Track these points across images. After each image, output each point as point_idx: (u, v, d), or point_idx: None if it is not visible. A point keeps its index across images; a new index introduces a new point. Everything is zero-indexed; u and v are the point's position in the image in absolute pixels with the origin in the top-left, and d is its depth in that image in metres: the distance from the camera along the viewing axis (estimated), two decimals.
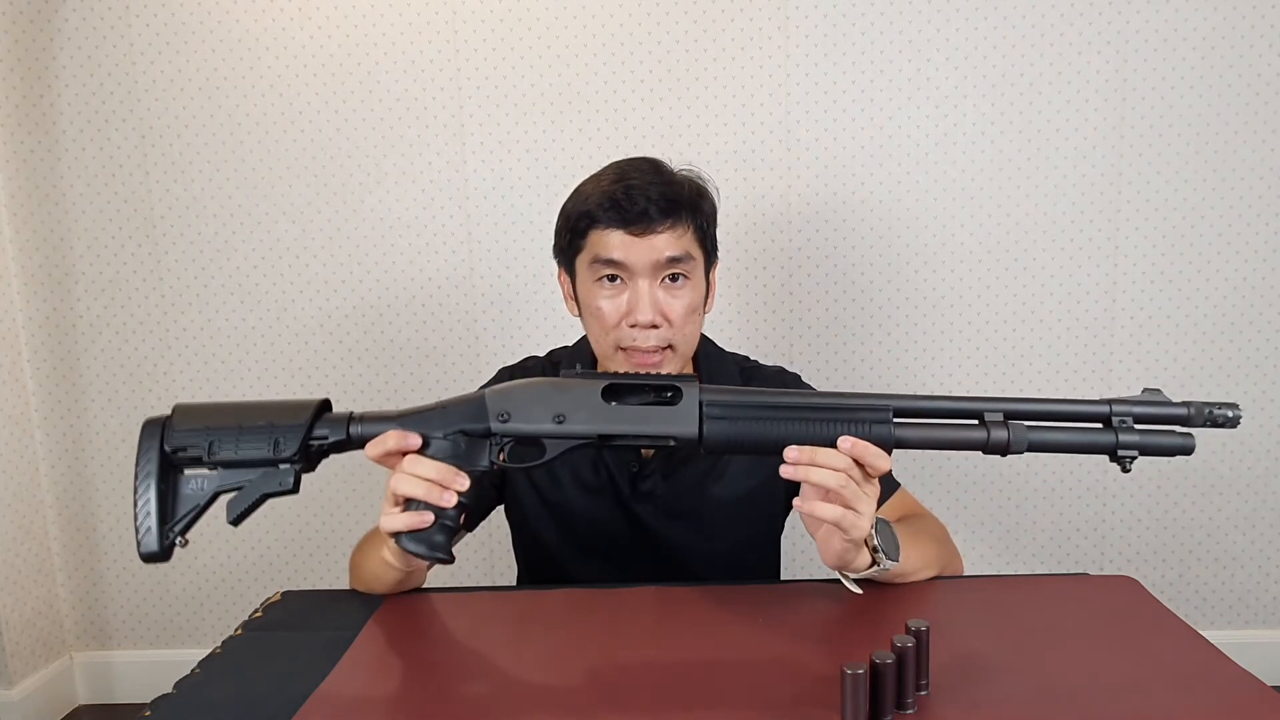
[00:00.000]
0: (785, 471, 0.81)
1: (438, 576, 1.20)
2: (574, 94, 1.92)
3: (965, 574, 1.08)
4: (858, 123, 1.92)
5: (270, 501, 0.83)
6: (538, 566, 1.21)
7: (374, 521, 1.11)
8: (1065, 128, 1.90)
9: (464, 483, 0.81)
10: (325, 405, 0.85)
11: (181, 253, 2.00)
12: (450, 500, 0.81)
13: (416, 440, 0.82)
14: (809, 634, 0.87)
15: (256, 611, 0.98)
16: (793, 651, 0.83)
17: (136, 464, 0.80)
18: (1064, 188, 1.92)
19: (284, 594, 1.03)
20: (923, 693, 0.74)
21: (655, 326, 1.03)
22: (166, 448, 0.80)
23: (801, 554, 2.05)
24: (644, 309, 1.02)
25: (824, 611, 0.93)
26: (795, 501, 0.85)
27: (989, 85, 1.89)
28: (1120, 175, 1.91)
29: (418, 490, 0.81)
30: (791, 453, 0.81)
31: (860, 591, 0.94)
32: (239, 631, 0.93)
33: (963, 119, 1.90)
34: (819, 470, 0.81)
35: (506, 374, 1.20)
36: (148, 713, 0.77)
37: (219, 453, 0.80)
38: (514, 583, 1.28)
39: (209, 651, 0.89)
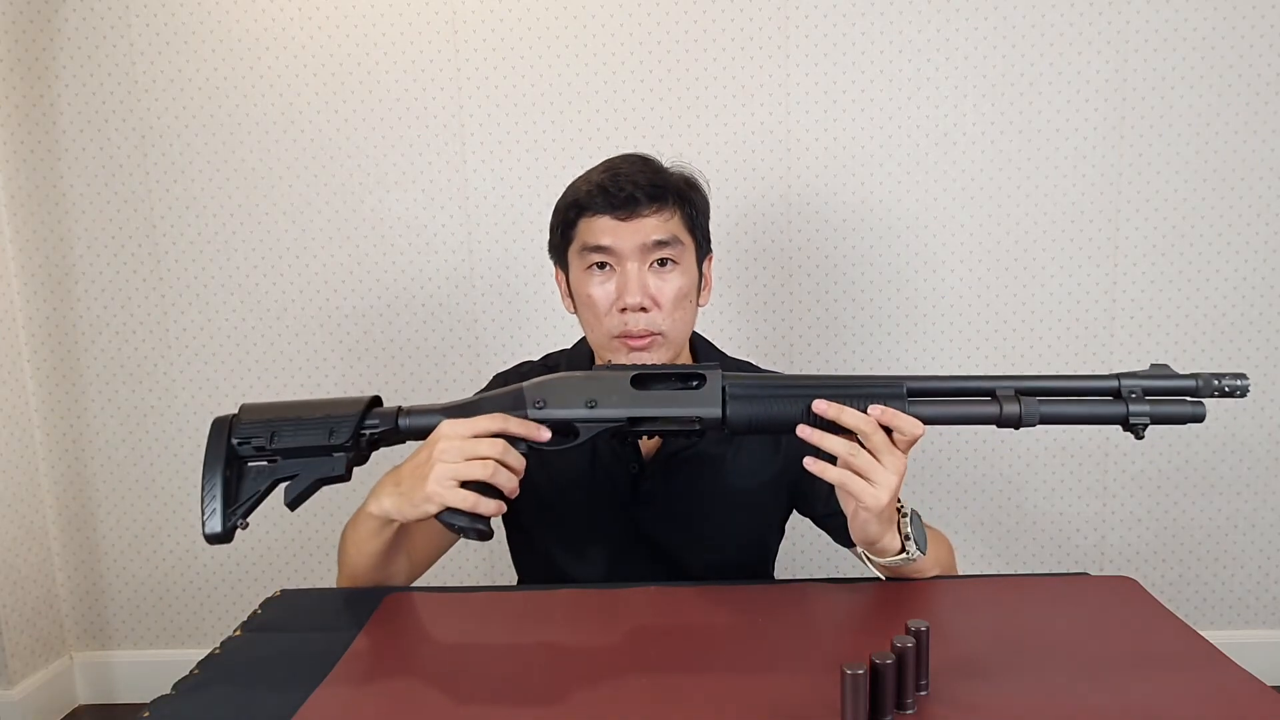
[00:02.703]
0: (802, 431, 0.83)
1: (438, 576, 1.20)
2: (574, 94, 1.92)
3: (965, 574, 1.08)
4: (858, 123, 1.92)
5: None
6: (535, 569, 1.21)
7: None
8: (1065, 128, 1.90)
9: (521, 463, 0.86)
10: (376, 400, 0.91)
11: (181, 253, 2.00)
12: (513, 489, 0.85)
13: (547, 434, 0.86)
14: (809, 634, 0.87)
15: (256, 611, 0.98)
16: (793, 651, 0.83)
17: (205, 455, 0.87)
18: (1064, 188, 1.92)
19: (284, 593, 1.03)
20: (923, 693, 0.74)
21: (645, 310, 1.04)
22: (233, 440, 0.87)
23: (801, 554, 2.05)
24: (632, 291, 1.03)
25: (824, 611, 0.93)
26: (806, 460, 0.84)
27: (989, 85, 1.89)
28: (1120, 175, 1.91)
29: (508, 484, 0.85)
30: (818, 405, 0.83)
31: (882, 577, 0.94)
32: (238, 632, 0.93)
33: (963, 119, 1.90)
34: (831, 438, 0.83)
35: (500, 380, 1.20)
36: (147, 713, 0.77)
37: (280, 441, 0.87)
38: (514, 583, 1.27)
39: (209, 651, 0.89)
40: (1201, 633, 0.85)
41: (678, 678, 0.79)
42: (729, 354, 1.22)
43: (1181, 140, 1.90)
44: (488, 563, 2.07)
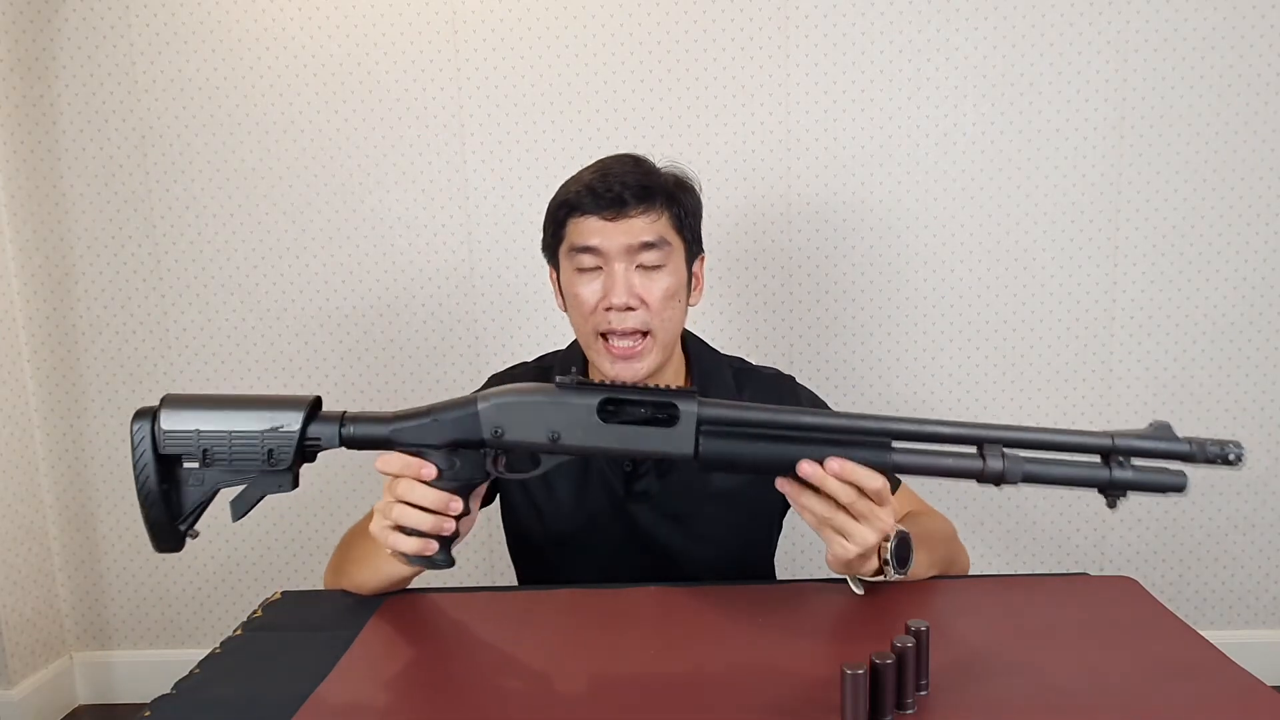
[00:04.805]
0: (781, 486, 0.83)
1: (438, 576, 1.19)
2: (574, 94, 1.92)
3: (965, 574, 1.08)
4: (858, 123, 1.92)
5: (270, 503, 0.84)
6: (532, 569, 1.21)
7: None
8: (1065, 128, 1.90)
9: (458, 506, 0.82)
10: (316, 405, 0.83)
11: (181, 253, 2.00)
12: (450, 528, 0.82)
13: (431, 470, 0.81)
14: (809, 634, 0.87)
15: (256, 611, 0.98)
16: (792, 651, 0.83)
17: (134, 458, 0.79)
18: (1064, 188, 1.92)
19: (284, 594, 1.03)
20: (923, 693, 0.74)
21: (631, 309, 1.04)
22: (160, 451, 0.79)
23: (801, 554, 2.05)
24: (619, 291, 1.03)
25: (824, 611, 0.93)
26: (788, 497, 0.84)
27: (989, 85, 1.89)
28: (1120, 175, 1.91)
29: (422, 524, 0.81)
30: (803, 470, 0.80)
31: (862, 593, 0.94)
32: (239, 631, 0.93)
33: (963, 119, 1.90)
34: (809, 497, 0.82)
35: (495, 382, 1.19)
36: (148, 713, 0.77)
37: (213, 460, 0.79)
38: (514, 583, 1.27)
39: (209, 651, 0.89)
40: (1201, 633, 0.85)
41: (678, 678, 0.79)
42: (724, 352, 1.22)
43: (1181, 140, 1.90)
44: (488, 563, 2.07)
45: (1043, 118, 1.90)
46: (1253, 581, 2.05)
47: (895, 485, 1.13)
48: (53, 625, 2.11)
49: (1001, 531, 2.06)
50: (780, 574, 1.28)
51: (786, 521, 1.23)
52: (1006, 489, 2.00)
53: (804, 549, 2.04)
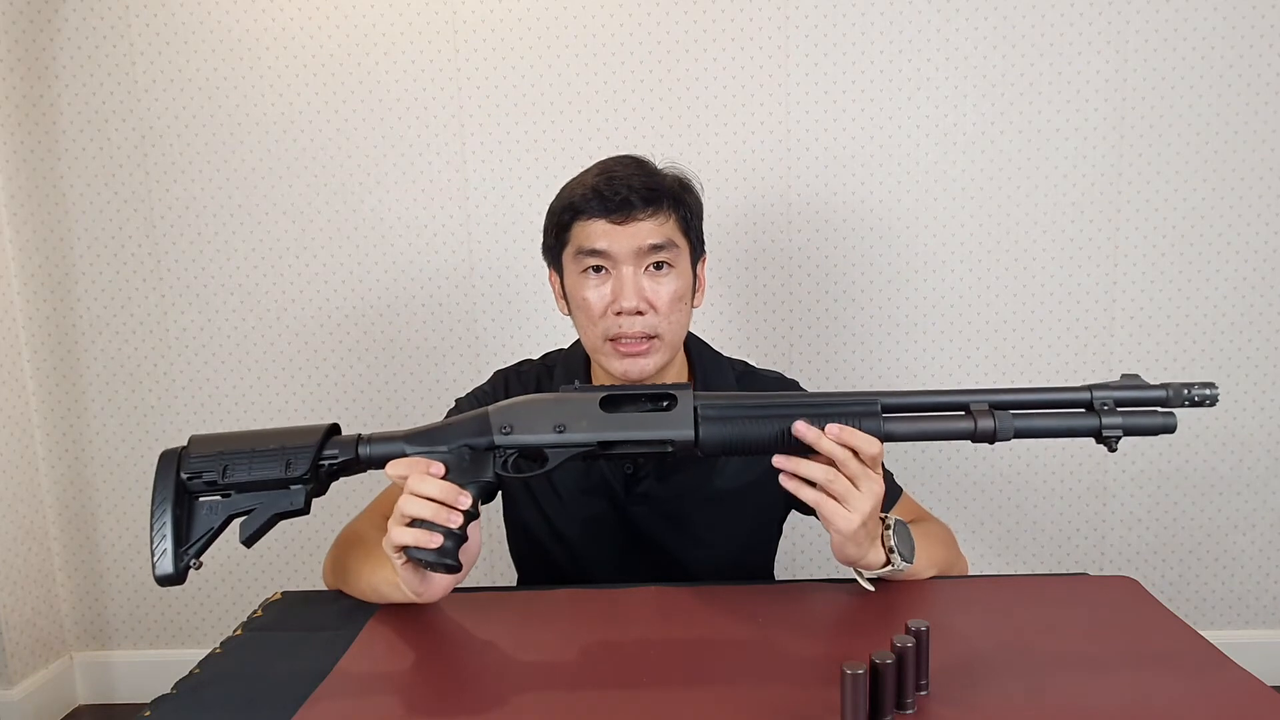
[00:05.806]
0: (778, 462, 0.84)
1: None
2: (574, 94, 1.92)
3: (965, 574, 1.08)
4: (858, 123, 1.92)
5: None
6: (533, 570, 1.22)
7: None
8: (1065, 128, 1.90)
9: (466, 501, 0.83)
10: (334, 429, 0.87)
11: (181, 253, 2.00)
12: (456, 520, 0.82)
13: (439, 468, 0.83)
14: (809, 634, 0.87)
15: (256, 611, 0.98)
16: (792, 651, 0.83)
17: (154, 491, 0.83)
18: (1064, 188, 1.92)
19: (284, 594, 1.03)
20: (923, 693, 0.74)
21: (640, 313, 1.04)
22: (183, 474, 0.82)
23: (801, 554, 2.05)
24: (628, 295, 1.03)
25: (824, 611, 0.93)
26: (781, 478, 0.85)
27: (989, 86, 1.89)
28: (1120, 175, 1.91)
29: (425, 512, 0.82)
30: (798, 428, 0.83)
31: (873, 589, 0.94)
32: (239, 631, 0.94)
33: (963, 119, 1.90)
34: (807, 464, 0.83)
35: (501, 377, 1.20)
36: (148, 713, 0.77)
37: (233, 475, 0.82)
38: (514, 583, 1.28)
39: (209, 651, 0.89)
40: (1201, 633, 0.85)
41: (678, 678, 0.79)
42: (725, 353, 1.22)
43: (1181, 140, 1.90)
44: (488, 563, 2.07)
45: (1043, 118, 1.90)
46: (1253, 581, 2.05)
47: (896, 496, 1.13)
48: (53, 625, 2.11)
49: (1001, 531, 2.06)
50: (780, 575, 1.28)
51: (786, 524, 1.23)
52: (1010, 478, 2.01)
53: (804, 549, 2.04)
